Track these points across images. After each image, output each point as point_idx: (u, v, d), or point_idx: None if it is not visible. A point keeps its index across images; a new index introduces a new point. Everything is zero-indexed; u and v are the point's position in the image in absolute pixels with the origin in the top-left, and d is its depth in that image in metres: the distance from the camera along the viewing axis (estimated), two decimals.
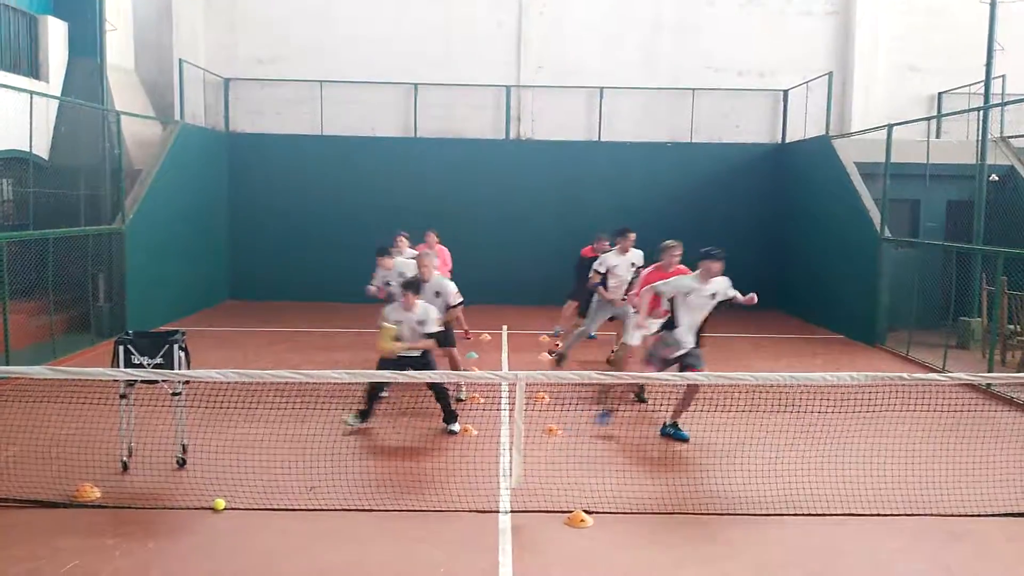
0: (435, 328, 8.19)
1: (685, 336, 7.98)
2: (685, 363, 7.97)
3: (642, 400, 9.33)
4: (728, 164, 17.46)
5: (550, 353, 11.60)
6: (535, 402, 8.82)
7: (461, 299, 9.19)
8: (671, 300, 8.05)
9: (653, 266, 9.41)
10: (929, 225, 15.05)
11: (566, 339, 10.95)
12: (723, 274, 8.06)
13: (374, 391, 8.10)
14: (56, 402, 7.72)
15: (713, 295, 8.01)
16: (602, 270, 10.26)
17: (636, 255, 10.31)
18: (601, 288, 10.24)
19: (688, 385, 7.92)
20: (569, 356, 10.75)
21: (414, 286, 8.13)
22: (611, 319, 10.61)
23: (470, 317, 15.23)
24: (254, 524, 5.91)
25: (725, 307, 8.18)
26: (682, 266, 9.08)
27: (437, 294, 8.72)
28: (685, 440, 7.93)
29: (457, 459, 7.07)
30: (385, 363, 7.91)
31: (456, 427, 8.12)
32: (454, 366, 9.04)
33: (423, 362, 8.02)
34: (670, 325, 8.08)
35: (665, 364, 8.00)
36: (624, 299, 10.09)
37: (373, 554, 5.48)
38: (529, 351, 12.26)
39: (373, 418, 8.19)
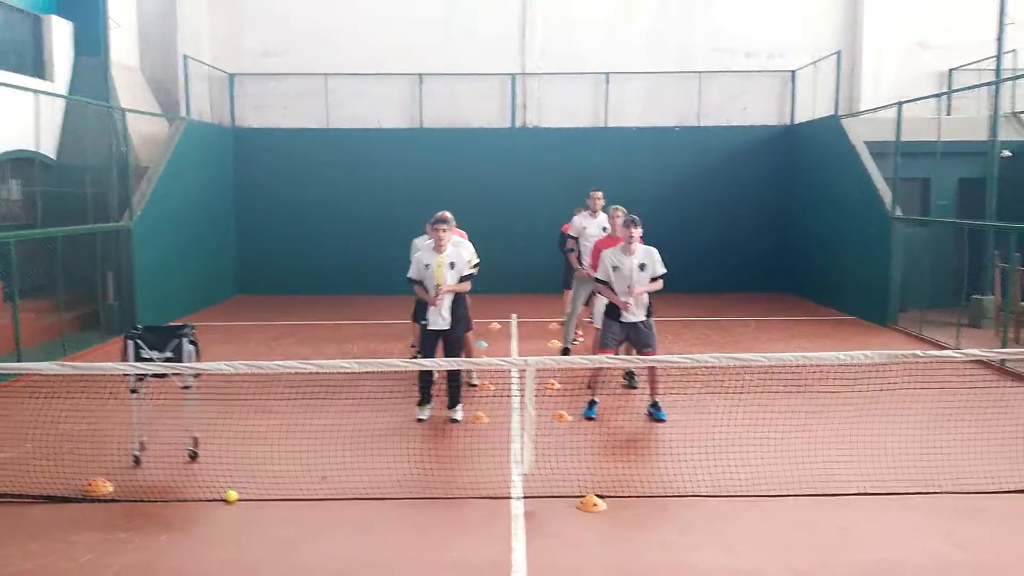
0: (468, 270, 8.18)
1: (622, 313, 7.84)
2: (639, 342, 7.90)
3: (632, 386, 9.23)
4: (737, 147, 17.34)
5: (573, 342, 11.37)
6: (545, 389, 8.80)
7: (477, 261, 8.92)
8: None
9: (606, 235, 9.26)
10: (940, 203, 14.91)
11: (563, 331, 10.80)
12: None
13: (424, 378, 8.14)
14: (67, 398, 7.77)
15: (642, 265, 7.83)
16: (574, 234, 9.89)
17: (605, 218, 9.81)
18: (573, 257, 9.85)
19: (648, 367, 7.87)
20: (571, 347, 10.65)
21: (446, 220, 8.05)
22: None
23: (479, 305, 15.20)
24: (266, 515, 5.91)
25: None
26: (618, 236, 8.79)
27: (452, 265, 8.34)
28: (662, 420, 7.93)
29: (468, 446, 7.06)
30: (424, 337, 7.98)
31: (459, 415, 8.10)
32: (467, 352, 9.02)
33: (455, 335, 8.04)
34: (612, 311, 7.97)
35: (618, 343, 7.97)
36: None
37: (386, 542, 5.48)
38: (538, 339, 12.24)
39: (434, 400, 8.24)
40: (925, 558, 5.22)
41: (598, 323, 8.91)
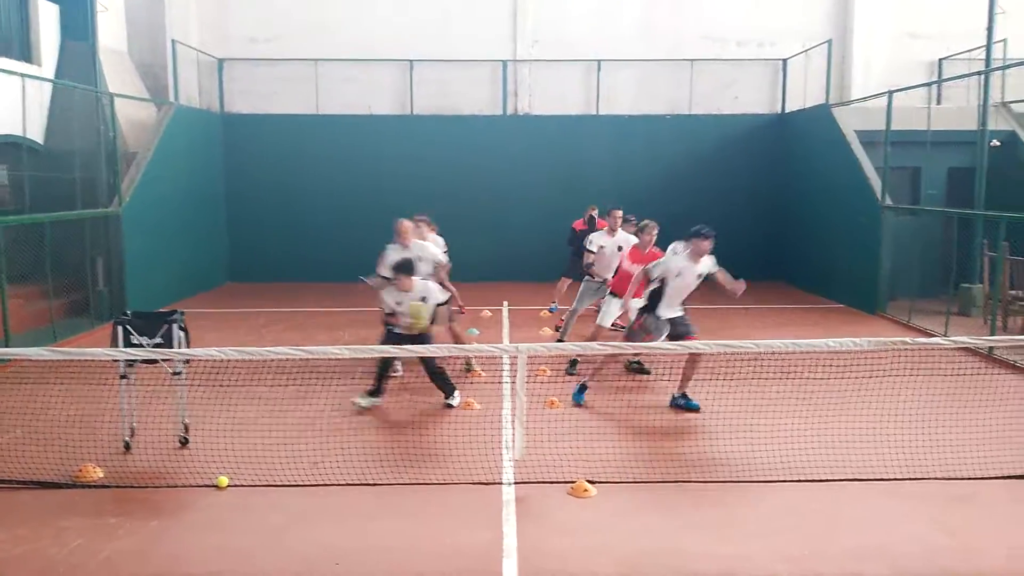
0: (441, 297, 8.19)
1: (667, 313, 7.92)
2: (678, 332, 7.93)
3: (644, 372, 9.31)
4: (728, 135, 17.35)
5: (556, 329, 11.52)
6: (536, 376, 8.81)
7: (446, 258, 9.16)
8: (661, 281, 7.93)
9: (631, 246, 9.38)
10: (930, 192, 14.97)
11: (564, 325, 10.87)
12: (720, 243, 8.00)
13: (383, 370, 8.06)
14: (57, 384, 7.73)
15: (700, 275, 7.94)
16: (593, 249, 10.11)
17: (623, 237, 10.03)
18: (595, 269, 10.12)
19: (689, 354, 7.88)
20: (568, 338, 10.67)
21: (406, 268, 7.95)
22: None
23: (470, 293, 15.22)
24: (257, 501, 5.91)
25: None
26: (656, 248, 9.03)
27: (419, 259, 8.61)
28: (696, 409, 7.91)
29: (459, 432, 7.06)
30: (388, 339, 7.90)
31: (455, 400, 8.09)
32: (456, 340, 9.03)
33: (421, 337, 8.00)
34: (651, 307, 7.99)
35: (662, 335, 7.97)
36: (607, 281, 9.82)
37: (378, 528, 5.49)
38: (530, 327, 12.25)
39: (383, 396, 8.17)
40: (913, 543, 5.26)
41: (604, 323, 9.20)
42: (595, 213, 13.03)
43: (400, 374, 8.85)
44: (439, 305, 8.20)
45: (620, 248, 9.90)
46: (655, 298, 7.99)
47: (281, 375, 8.42)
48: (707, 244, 7.80)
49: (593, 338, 9.20)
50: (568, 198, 16.99)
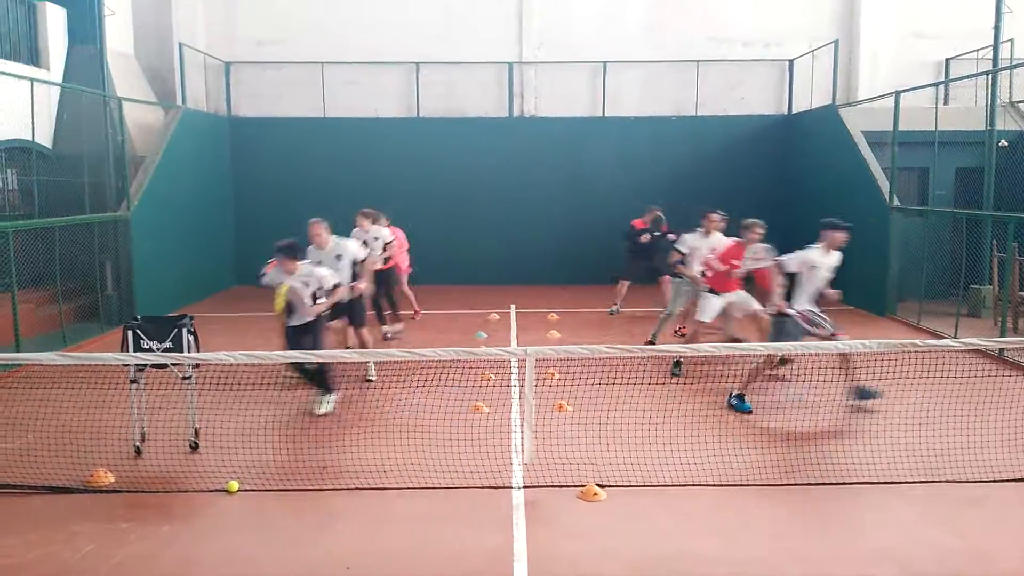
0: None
1: (804, 307, 8.02)
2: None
3: (676, 374, 9.32)
4: (734, 137, 17.31)
5: (676, 334, 11.31)
6: (545, 379, 8.81)
7: (368, 253, 9.22)
8: (791, 275, 8.03)
9: (733, 242, 9.43)
10: (938, 193, 14.92)
11: (656, 326, 10.91)
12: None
13: (301, 369, 7.87)
14: (68, 389, 7.77)
15: (831, 268, 8.09)
16: (684, 250, 10.26)
17: (717, 239, 10.12)
18: (684, 267, 10.21)
19: (841, 355, 7.87)
20: (659, 340, 10.68)
21: (287, 250, 7.87)
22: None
23: (477, 296, 15.24)
24: (267, 505, 5.93)
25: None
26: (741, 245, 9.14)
27: (339, 257, 8.63)
28: (748, 412, 7.88)
29: (468, 436, 7.07)
30: (287, 332, 7.92)
31: (325, 407, 7.90)
32: (363, 346, 8.98)
33: (314, 328, 7.94)
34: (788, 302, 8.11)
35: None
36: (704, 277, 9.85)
37: (387, 532, 5.50)
38: (537, 330, 12.23)
39: (339, 390, 8.15)
40: (924, 546, 5.25)
41: (706, 318, 9.21)
42: (660, 214, 13.05)
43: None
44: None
45: (714, 250, 10.00)
46: (790, 293, 8.07)
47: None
48: (840, 235, 7.99)
49: (693, 336, 9.32)
50: (574, 200, 17.09)
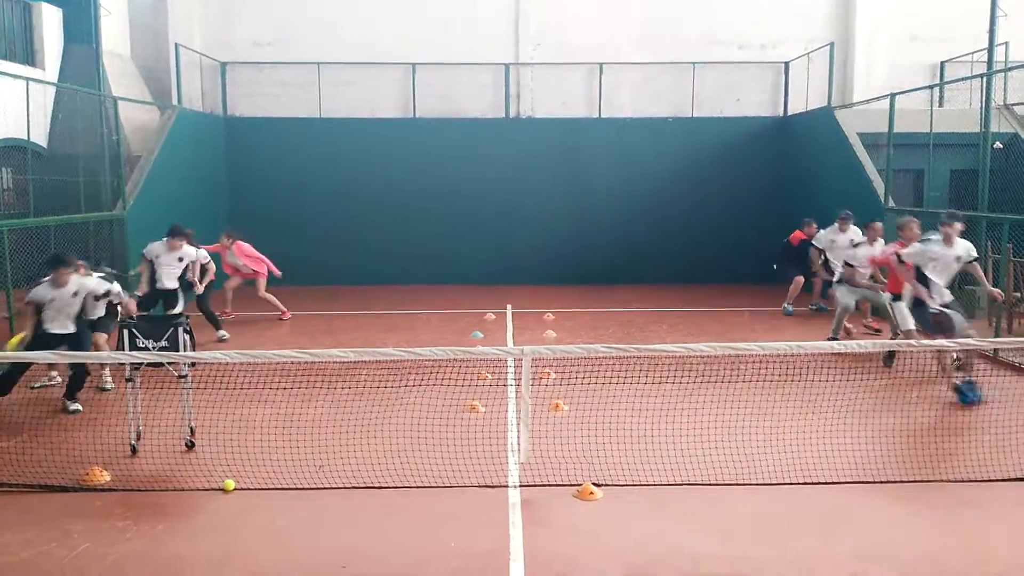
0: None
1: (938, 300, 8.25)
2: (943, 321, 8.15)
3: (888, 365, 9.38)
4: (731, 138, 17.35)
5: (869, 328, 11.78)
6: (541, 379, 8.82)
7: (109, 288, 8.60)
8: (918, 268, 8.29)
9: (895, 243, 9.53)
10: (933, 194, 14.96)
11: (833, 322, 11.00)
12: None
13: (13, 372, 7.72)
14: (64, 387, 7.73)
15: (958, 258, 8.32)
16: (822, 247, 11.41)
17: (855, 232, 11.13)
18: (850, 269, 10.61)
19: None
20: (842, 333, 10.81)
21: (58, 261, 7.87)
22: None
23: (473, 296, 15.25)
24: (263, 504, 5.92)
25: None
26: (891, 243, 9.56)
27: (75, 294, 8.07)
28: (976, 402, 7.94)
29: (465, 435, 7.07)
30: (42, 337, 7.82)
31: (74, 407, 7.95)
32: (97, 349, 8.70)
33: (77, 339, 7.95)
34: (918, 299, 8.35)
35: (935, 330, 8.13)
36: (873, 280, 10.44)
37: (383, 531, 5.49)
38: (533, 330, 12.24)
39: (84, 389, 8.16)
40: (919, 546, 5.26)
41: (909, 326, 9.01)
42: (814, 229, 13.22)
43: (56, 383, 8.73)
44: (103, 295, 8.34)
45: (853, 242, 11.00)
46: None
47: (286, 378, 8.44)
48: (949, 228, 8.27)
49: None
50: (571, 201, 17.11)
